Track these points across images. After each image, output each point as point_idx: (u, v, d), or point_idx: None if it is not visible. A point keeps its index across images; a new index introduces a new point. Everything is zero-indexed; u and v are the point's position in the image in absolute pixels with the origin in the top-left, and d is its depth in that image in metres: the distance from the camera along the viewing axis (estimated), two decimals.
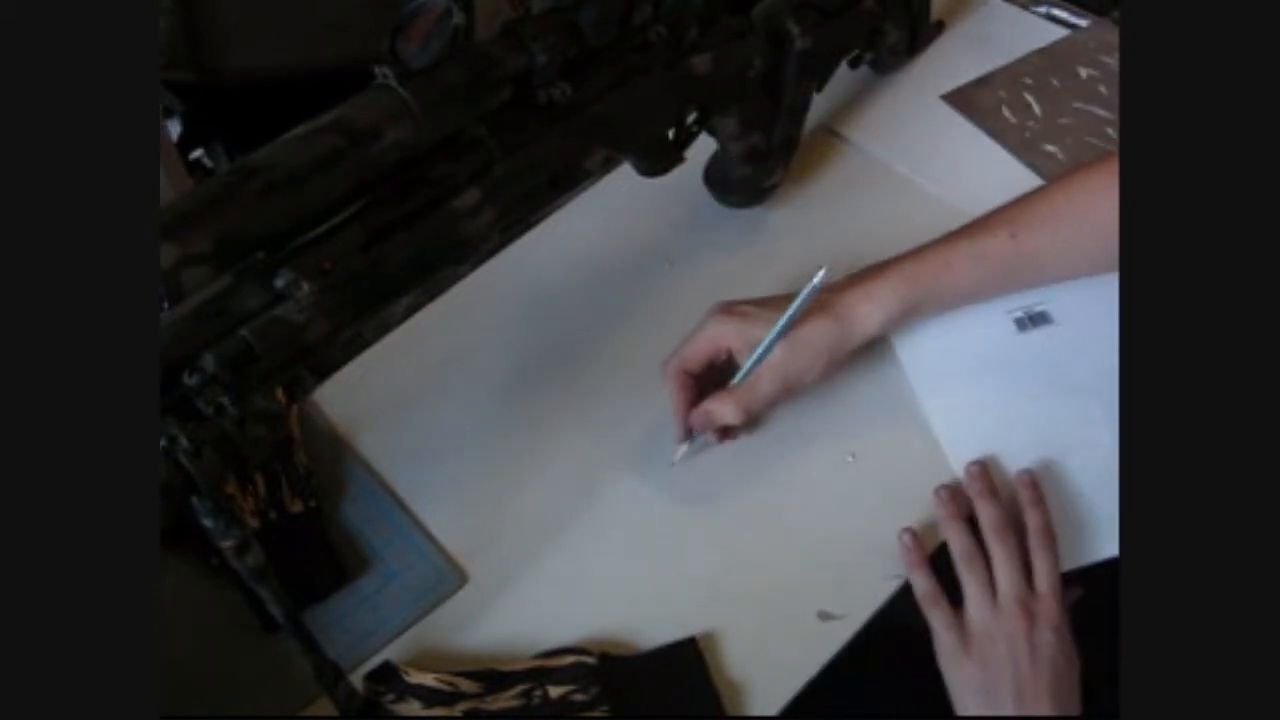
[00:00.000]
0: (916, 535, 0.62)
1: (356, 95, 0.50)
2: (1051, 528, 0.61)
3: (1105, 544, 0.62)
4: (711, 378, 0.65)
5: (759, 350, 0.62)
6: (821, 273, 0.60)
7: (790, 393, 0.64)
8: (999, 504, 0.61)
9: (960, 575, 0.60)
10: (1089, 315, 0.70)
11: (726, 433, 0.66)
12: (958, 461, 0.65)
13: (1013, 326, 0.70)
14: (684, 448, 0.66)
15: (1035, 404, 0.67)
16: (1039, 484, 0.63)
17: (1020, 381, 0.68)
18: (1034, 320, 0.70)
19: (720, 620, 0.60)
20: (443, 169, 0.54)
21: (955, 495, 0.63)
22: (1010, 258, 0.65)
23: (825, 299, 0.63)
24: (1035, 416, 0.66)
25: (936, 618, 0.59)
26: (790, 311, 0.61)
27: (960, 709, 0.57)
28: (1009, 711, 0.55)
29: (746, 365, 0.63)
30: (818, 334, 0.63)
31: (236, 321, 0.48)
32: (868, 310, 0.64)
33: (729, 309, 0.64)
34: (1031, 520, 0.61)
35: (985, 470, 0.63)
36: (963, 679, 0.58)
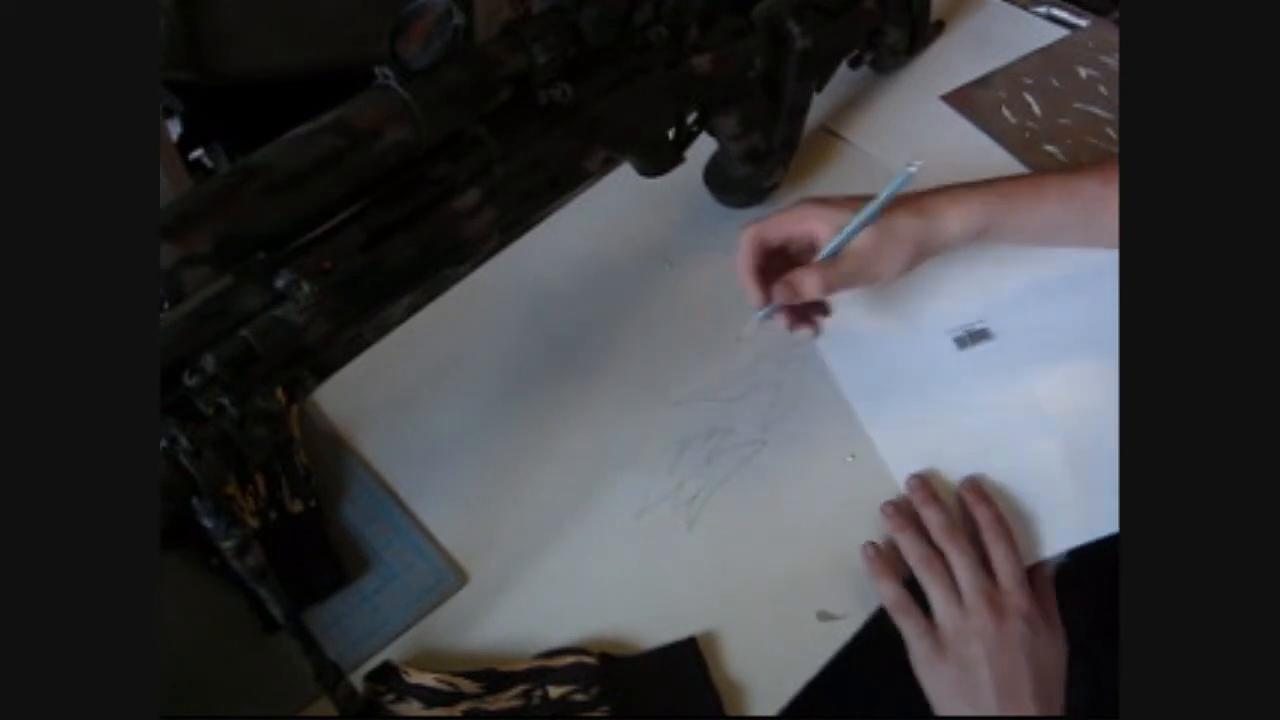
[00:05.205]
0: (878, 545, 0.62)
1: (356, 95, 0.50)
2: (1003, 519, 0.61)
3: (1054, 541, 0.62)
4: (780, 264, 0.64)
5: (848, 229, 0.61)
6: (915, 165, 0.60)
7: (871, 281, 0.63)
8: (943, 508, 0.62)
9: (921, 582, 0.60)
10: (1028, 329, 0.71)
11: (798, 319, 0.65)
12: (901, 475, 0.65)
13: (953, 345, 0.71)
14: (753, 322, 0.64)
15: (975, 417, 0.67)
16: (981, 485, 0.63)
17: (960, 396, 0.68)
18: (974, 337, 0.71)
19: (720, 620, 0.60)
20: (443, 169, 0.54)
21: (901, 508, 0.63)
22: (1100, 199, 0.64)
23: (915, 197, 0.63)
24: (975, 428, 0.67)
25: (908, 626, 0.59)
26: (883, 197, 0.60)
27: (943, 715, 0.57)
28: (992, 710, 0.55)
29: (834, 242, 0.61)
30: (904, 226, 0.62)
31: (237, 322, 0.48)
32: (954, 213, 0.63)
33: (817, 198, 0.64)
34: (980, 516, 0.61)
35: (924, 480, 0.64)
36: (941, 684, 0.57)
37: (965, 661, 0.57)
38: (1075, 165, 0.66)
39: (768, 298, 0.62)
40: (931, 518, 0.62)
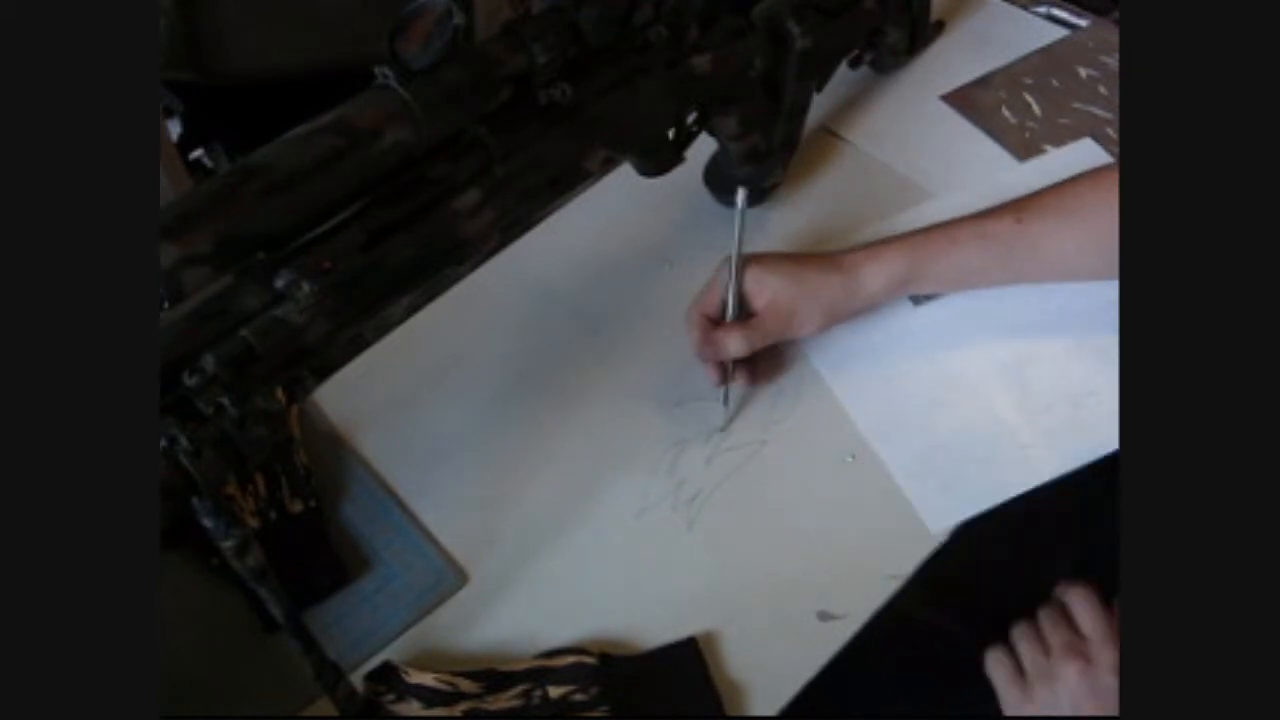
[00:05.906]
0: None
1: (356, 95, 0.50)
2: (1087, 587, 0.59)
3: (1009, 484, 0.65)
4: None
5: (732, 266, 0.65)
6: (741, 194, 0.64)
7: (792, 336, 0.67)
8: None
9: (1012, 638, 0.59)
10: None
11: (752, 374, 0.69)
12: (867, 429, 0.68)
13: (909, 303, 0.74)
14: (727, 411, 0.68)
15: (932, 368, 0.71)
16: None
17: (917, 350, 0.72)
18: (929, 294, 0.74)
19: (720, 620, 0.60)
20: (443, 169, 0.54)
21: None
22: (1013, 239, 0.67)
23: (836, 256, 0.67)
24: (933, 379, 0.70)
25: (999, 674, 0.58)
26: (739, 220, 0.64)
27: None
28: None
29: (731, 291, 0.65)
30: (824, 285, 0.66)
31: (236, 322, 0.48)
32: (872, 269, 0.67)
33: (750, 255, 0.66)
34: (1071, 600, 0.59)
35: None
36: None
37: (1050, 701, 0.56)
38: (991, 209, 0.69)
39: (721, 373, 0.68)
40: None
